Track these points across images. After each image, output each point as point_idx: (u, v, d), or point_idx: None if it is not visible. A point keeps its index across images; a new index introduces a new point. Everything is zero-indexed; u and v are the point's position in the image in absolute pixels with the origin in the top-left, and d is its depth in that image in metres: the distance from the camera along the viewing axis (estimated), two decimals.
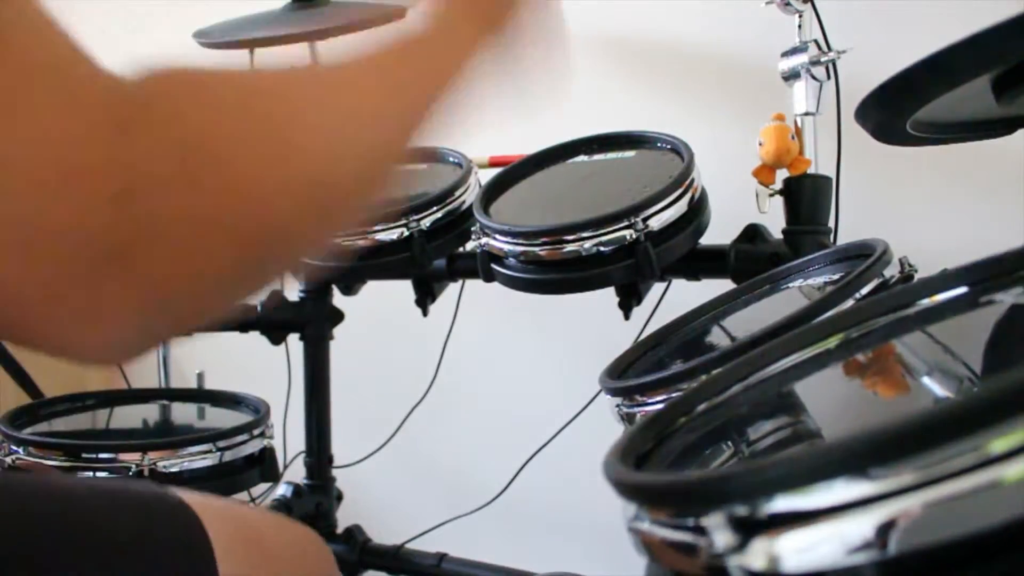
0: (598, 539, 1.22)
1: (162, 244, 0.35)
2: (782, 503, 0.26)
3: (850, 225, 1.03)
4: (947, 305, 0.51)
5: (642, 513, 0.32)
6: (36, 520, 0.54)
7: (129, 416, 1.25)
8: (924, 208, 1.25)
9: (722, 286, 0.89)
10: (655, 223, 0.87)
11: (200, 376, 1.33)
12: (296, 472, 1.41)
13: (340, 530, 1.39)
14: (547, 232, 0.89)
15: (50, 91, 0.33)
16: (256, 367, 1.44)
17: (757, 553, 0.27)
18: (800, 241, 0.98)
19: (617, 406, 0.65)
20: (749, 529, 0.27)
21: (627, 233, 0.86)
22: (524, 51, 0.52)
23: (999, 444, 0.24)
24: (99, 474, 0.98)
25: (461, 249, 1.11)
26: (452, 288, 1.32)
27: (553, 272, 0.91)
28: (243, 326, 1.36)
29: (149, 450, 1.00)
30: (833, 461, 0.25)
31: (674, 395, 0.57)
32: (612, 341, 0.87)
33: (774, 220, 1.01)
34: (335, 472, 1.43)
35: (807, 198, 0.99)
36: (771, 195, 0.99)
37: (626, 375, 0.71)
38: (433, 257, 1.07)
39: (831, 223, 1.01)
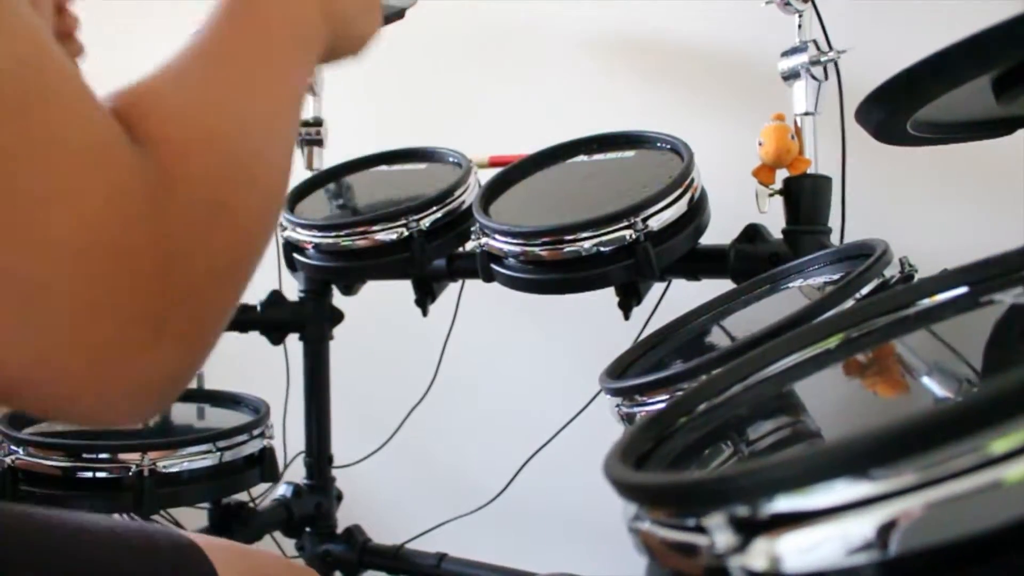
0: (598, 539, 1.22)
1: (193, 304, 0.35)
2: (783, 503, 0.26)
3: (850, 225, 1.04)
4: (947, 305, 0.51)
5: (642, 513, 0.32)
6: (47, 556, 0.55)
7: None
8: (924, 208, 1.25)
9: (722, 286, 0.89)
10: (655, 223, 0.87)
11: (200, 376, 1.33)
12: (296, 472, 1.41)
13: (340, 530, 1.39)
14: (547, 232, 0.89)
15: (89, 173, 0.32)
16: (256, 367, 1.44)
17: (758, 553, 0.27)
18: (800, 241, 0.98)
19: (617, 406, 0.65)
20: (750, 529, 0.27)
21: (627, 233, 0.86)
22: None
23: (999, 444, 0.24)
24: (99, 474, 0.99)
25: (461, 249, 1.11)
26: (452, 288, 1.32)
27: (553, 272, 0.91)
28: (243, 326, 1.36)
29: (149, 450, 1.00)
30: (833, 461, 0.25)
31: (674, 395, 0.57)
32: (612, 341, 0.87)
33: (774, 220, 1.01)
34: (335, 472, 1.43)
35: (807, 198, 0.99)
36: (771, 195, 0.99)
37: (626, 375, 0.71)
38: (433, 257, 1.07)
39: (836, 223, 1.01)
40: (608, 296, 1.00)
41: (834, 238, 1.01)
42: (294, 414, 1.43)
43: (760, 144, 0.99)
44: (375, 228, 1.04)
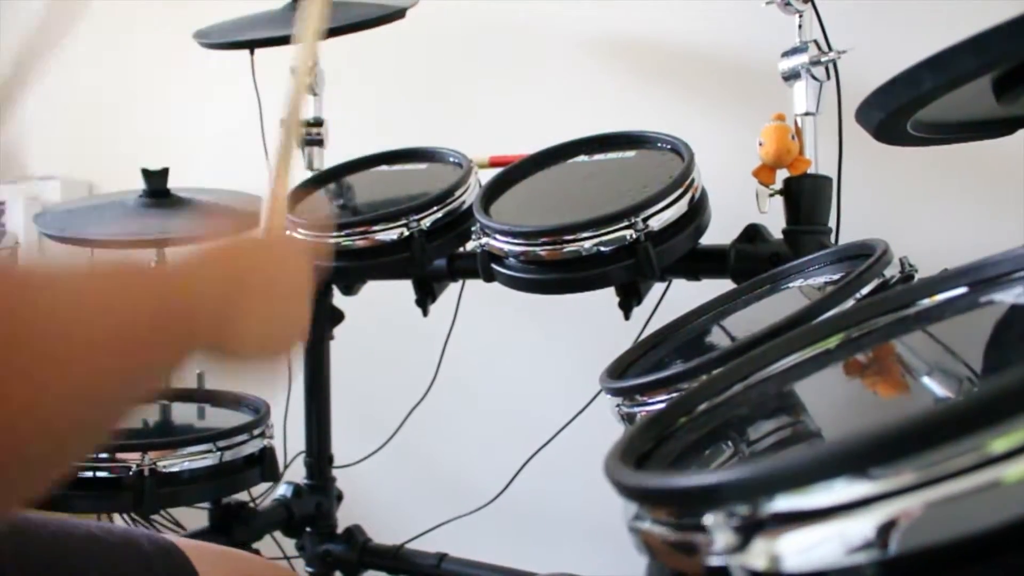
0: (598, 539, 1.22)
1: None
2: (782, 503, 0.26)
3: (850, 225, 1.04)
4: (947, 305, 0.51)
5: (643, 513, 0.32)
6: (28, 562, 0.55)
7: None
8: (924, 208, 1.25)
9: (722, 286, 0.89)
10: (655, 223, 0.87)
11: (200, 376, 1.33)
12: (296, 472, 1.41)
13: (340, 530, 1.39)
14: (547, 232, 0.89)
15: None
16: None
17: (758, 553, 0.27)
18: (800, 241, 0.98)
19: (617, 406, 0.64)
20: (750, 529, 0.27)
21: (627, 233, 0.86)
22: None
23: (999, 444, 0.24)
24: (99, 474, 0.98)
25: (461, 249, 1.11)
26: (452, 288, 1.32)
27: (553, 272, 0.91)
28: None
29: (149, 450, 1.00)
30: (833, 461, 0.25)
31: (674, 395, 0.57)
32: (612, 341, 0.87)
33: (774, 220, 1.01)
34: (335, 472, 1.43)
35: (807, 198, 0.99)
36: (771, 195, 0.99)
37: (626, 375, 0.71)
38: (433, 257, 1.07)
39: (832, 223, 1.01)
40: (608, 296, 1.00)
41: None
42: (294, 414, 1.43)
43: (760, 144, 0.99)
44: (375, 228, 1.04)
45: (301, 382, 1.41)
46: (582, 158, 1.07)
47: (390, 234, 1.03)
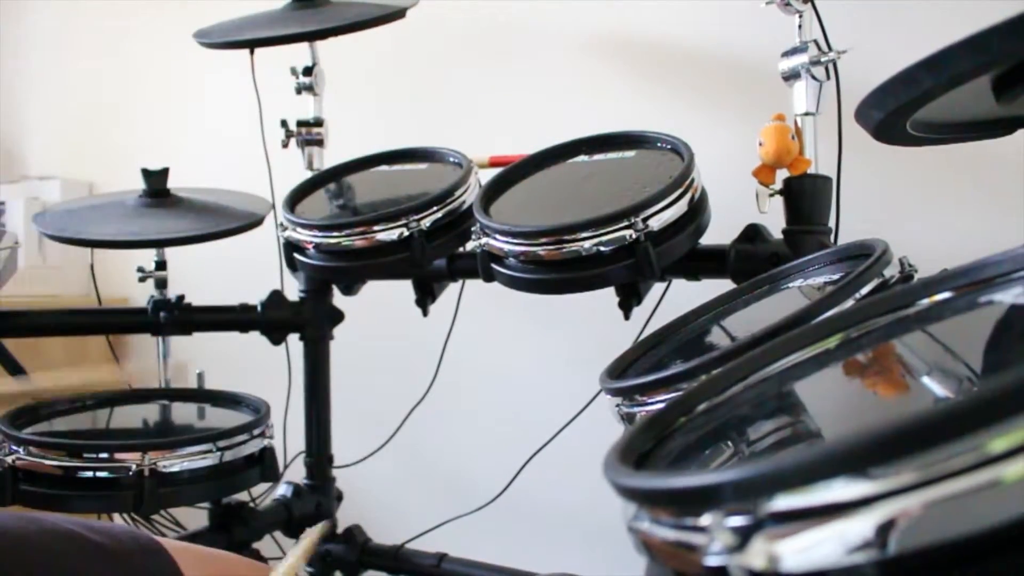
0: (598, 539, 1.22)
1: None
2: (782, 503, 0.26)
3: (850, 225, 1.04)
4: (947, 305, 0.51)
5: (642, 513, 0.32)
6: (11, 559, 0.56)
7: (129, 416, 1.25)
8: (924, 208, 1.25)
9: (722, 286, 0.89)
10: (655, 223, 0.87)
11: (200, 376, 1.33)
12: (296, 472, 1.41)
13: (340, 530, 1.39)
14: (547, 232, 0.89)
15: None
16: (256, 367, 1.44)
17: (757, 553, 0.27)
18: (800, 241, 0.98)
19: (617, 406, 0.64)
20: (749, 529, 0.27)
21: (627, 233, 0.86)
22: None
23: (999, 444, 0.24)
24: (99, 474, 0.98)
25: (461, 249, 1.11)
26: (452, 288, 1.32)
27: (553, 272, 0.91)
28: (243, 326, 1.36)
29: (149, 450, 1.00)
30: (833, 461, 0.25)
31: (674, 395, 0.57)
32: (612, 341, 0.87)
33: (774, 220, 1.01)
34: (335, 472, 1.43)
35: (807, 198, 0.99)
36: (771, 195, 0.99)
37: (626, 375, 0.71)
38: (433, 257, 1.07)
39: (832, 223, 1.01)
40: (608, 296, 1.00)
41: None
42: (294, 414, 1.43)
43: (760, 144, 0.99)
44: (375, 228, 1.04)
45: (301, 382, 1.41)
46: (582, 158, 1.07)
47: (390, 234, 1.03)
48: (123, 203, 1.33)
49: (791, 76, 1.00)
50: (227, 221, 1.28)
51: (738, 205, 1.00)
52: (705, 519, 0.28)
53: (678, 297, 1.02)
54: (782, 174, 1.00)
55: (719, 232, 0.99)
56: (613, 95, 1.50)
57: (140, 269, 1.35)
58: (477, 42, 1.64)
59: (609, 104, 1.49)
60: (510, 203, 1.03)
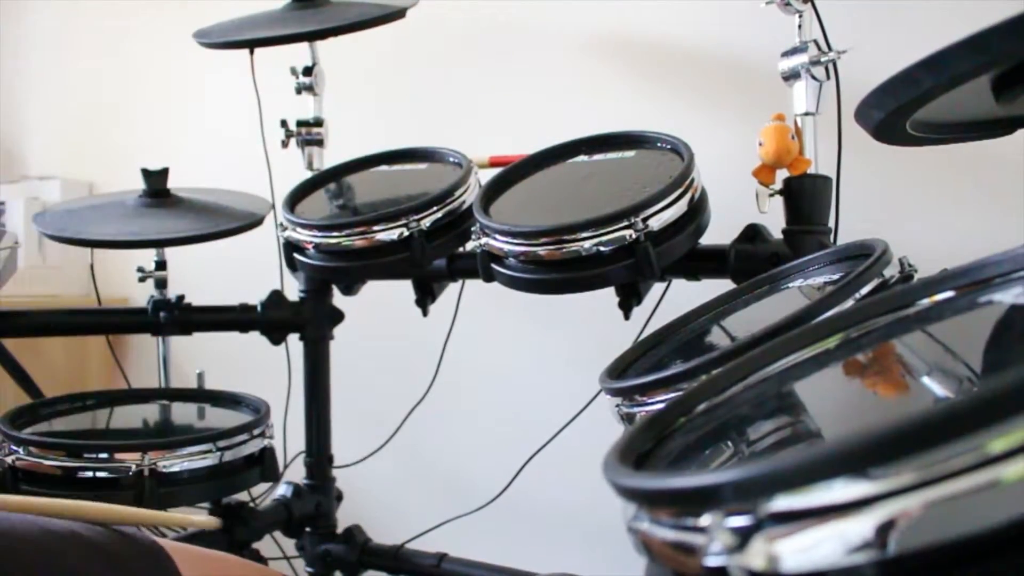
0: (598, 539, 1.22)
1: None
2: (782, 503, 0.26)
3: (850, 225, 1.04)
4: (947, 305, 0.51)
5: (642, 513, 0.32)
6: (9, 559, 0.56)
7: (129, 416, 1.25)
8: (924, 208, 1.25)
9: (722, 286, 0.89)
10: (655, 223, 0.87)
11: (200, 376, 1.33)
12: (296, 472, 1.41)
13: (340, 530, 1.39)
14: (547, 232, 0.89)
15: None
16: (256, 367, 1.44)
17: (757, 553, 0.27)
18: (800, 241, 0.98)
19: (617, 406, 0.64)
20: (749, 529, 0.27)
21: (627, 233, 0.86)
22: None
23: (999, 444, 0.24)
24: (99, 474, 0.98)
25: (461, 249, 1.11)
26: (452, 288, 1.32)
27: (553, 272, 0.91)
28: (243, 326, 1.36)
29: (149, 450, 1.00)
30: (833, 461, 0.25)
31: (674, 395, 0.57)
32: (612, 341, 0.87)
33: (774, 220, 1.01)
34: (335, 472, 1.43)
35: (807, 198, 0.99)
36: (771, 195, 0.99)
37: (626, 375, 0.71)
38: (433, 257, 1.07)
39: (831, 223, 1.01)
40: (608, 296, 1.00)
41: None
42: (294, 414, 1.43)
43: (760, 144, 0.99)
44: (375, 228, 1.04)
45: (301, 382, 1.41)
46: (582, 158, 1.07)
47: (390, 234, 1.03)
48: (123, 203, 1.33)
49: (791, 76, 1.00)
50: (227, 221, 1.28)
51: (738, 205, 1.00)
52: (705, 519, 0.28)
53: (678, 297, 1.01)
54: (782, 174, 1.00)
55: (719, 232, 0.99)
56: (613, 95, 1.50)
57: (140, 269, 1.35)
58: (477, 42, 1.64)
59: (609, 104, 1.49)
60: (510, 203, 1.03)
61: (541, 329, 1.57)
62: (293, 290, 1.38)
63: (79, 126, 2.22)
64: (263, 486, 1.27)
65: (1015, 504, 0.24)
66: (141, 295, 1.39)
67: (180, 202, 1.32)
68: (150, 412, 1.27)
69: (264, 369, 1.44)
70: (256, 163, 1.40)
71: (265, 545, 1.31)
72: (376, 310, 1.49)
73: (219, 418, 1.21)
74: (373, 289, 1.36)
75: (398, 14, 1.25)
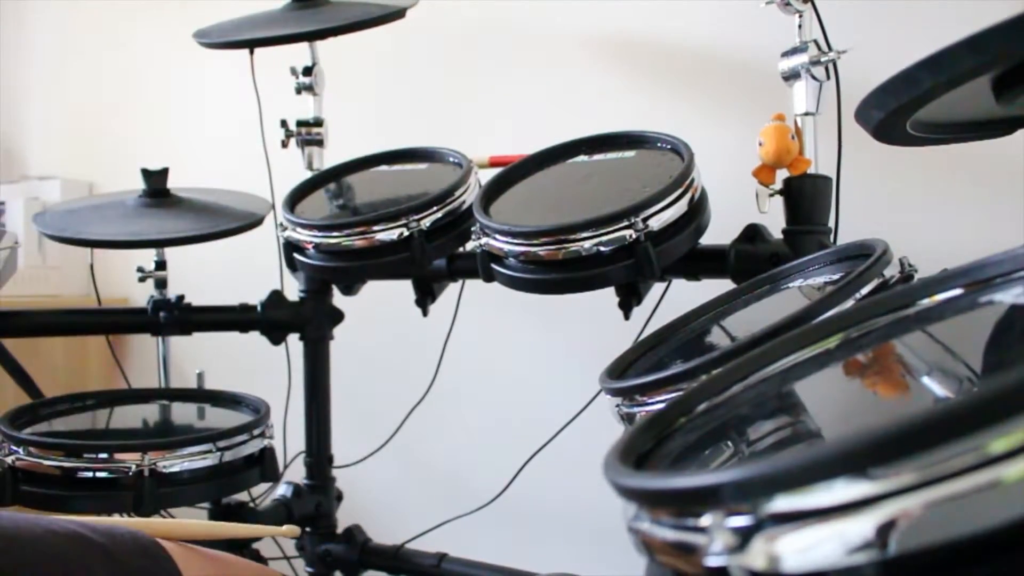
0: (598, 539, 1.22)
1: None
2: (782, 503, 0.26)
3: (850, 225, 1.03)
4: (947, 305, 0.51)
5: (642, 513, 0.32)
6: (11, 559, 0.56)
7: (129, 416, 1.25)
8: (924, 208, 1.25)
9: (722, 286, 0.89)
10: (655, 223, 0.87)
11: (200, 376, 1.33)
12: (296, 472, 1.41)
13: (340, 530, 1.39)
14: (547, 232, 0.89)
15: None
16: (256, 367, 1.44)
17: (757, 553, 0.27)
18: (800, 241, 0.98)
19: (617, 406, 0.64)
20: (749, 529, 0.27)
21: (627, 233, 0.86)
22: None
23: (999, 444, 0.24)
24: (99, 474, 0.98)
25: (461, 249, 1.11)
26: (452, 288, 1.32)
27: (553, 272, 0.91)
28: (243, 326, 1.36)
29: (149, 450, 1.00)
30: (833, 461, 0.25)
31: (674, 395, 0.57)
32: (612, 341, 0.87)
33: (774, 220, 1.01)
34: (335, 472, 1.43)
35: (807, 198, 0.99)
36: (771, 195, 0.99)
37: (626, 375, 0.71)
38: (433, 257, 1.07)
39: (831, 223, 1.01)
40: (608, 296, 1.00)
41: None
42: (294, 414, 1.43)
43: (760, 144, 0.99)
44: (375, 228, 1.04)
45: (301, 382, 1.41)
46: (582, 158, 1.07)
47: (390, 234, 1.03)
48: (123, 203, 1.33)
49: (791, 76, 1.00)
50: (227, 221, 1.28)
51: (738, 205, 1.00)
52: (705, 519, 0.28)
53: (678, 297, 1.01)
54: (782, 174, 1.00)
55: (719, 232, 0.99)
56: (613, 95, 1.50)
57: (140, 269, 1.35)
58: (477, 42, 1.64)
59: (609, 104, 1.49)
60: (510, 203, 1.03)
61: (541, 329, 1.57)
62: (293, 290, 1.38)
63: (79, 126, 2.22)
64: (263, 486, 1.27)
65: (1015, 504, 0.24)
66: (141, 295, 1.39)
67: (180, 202, 1.32)
68: (150, 412, 1.27)
69: (264, 369, 1.44)
70: (256, 163, 1.40)
71: (265, 545, 1.31)
72: (376, 310, 1.49)
73: (219, 418, 1.20)
74: (373, 289, 1.36)
75: (398, 14, 1.25)
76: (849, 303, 0.58)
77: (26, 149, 2.33)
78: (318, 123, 1.40)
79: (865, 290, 0.60)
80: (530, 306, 1.32)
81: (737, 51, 1.38)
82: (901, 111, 0.50)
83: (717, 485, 0.28)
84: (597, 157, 1.06)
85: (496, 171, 1.07)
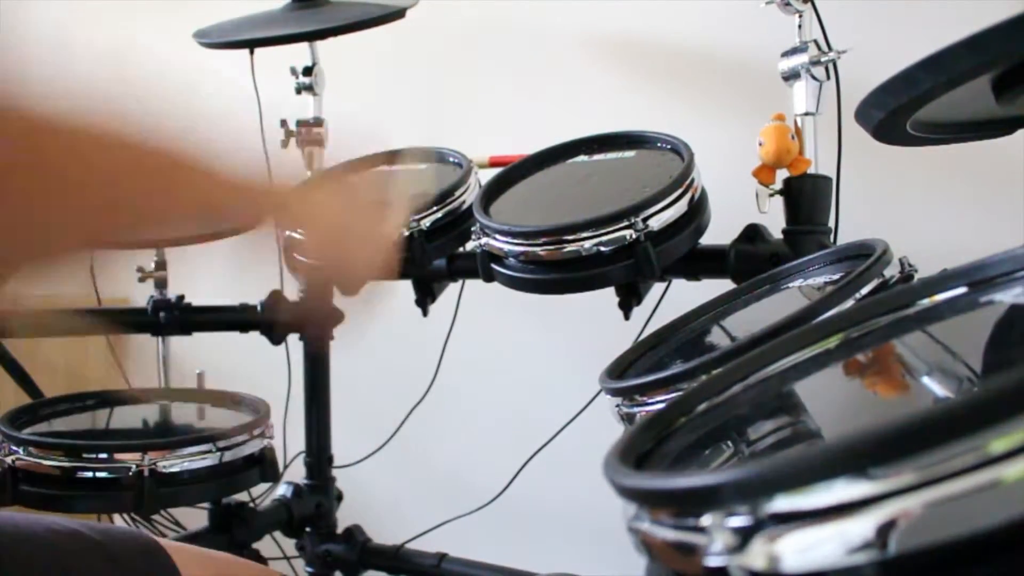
0: (598, 539, 1.22)
1: None
2: (782, 503, 0.26)
3: (850, 225, 1.03)
4: (947, 305, 0.51)
5: (642, 513, 0.32)
6: (12, 560, 0.56)
7: (129, 416, 1.25)
8: (924, 208, 1.25)
9: (722, 286, 0.89)
10: (655, 223, 0.87)
11: (200, 376, 1.33)
12: (296, 472, 1.41)
13: (340, 530, 1.39)
14: (547, 232, 0.89)
15: None
16: (256, 367, 1.44)
17: (757, 553, 0.27)
18: (800, 241, 0.98)
19: (617, 406, 0.64)
20: (749, 529, 0.27)
21: (627, 233, 0.86)
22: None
23: (999, 444, 0.24)
24: (99, 474, 0.98)
25: (461, 249, 1.11)
26: (452, 288, 1.32)
27: (553, 272, 0.91)
28: (243, 326, 1.36)
29: (149, 450, 1.00)
30: (833, 461, 0.25)
31: (674, 395, 0.57)
32: (612, 341, 0.87)
33: (774, 220, 1.01)
34: (335, 472, 1.43)
35: (807, 198, 0.99)
36: (771, 195, 0.99)
37: (626, 375, 0.71)
38: (433, 257, 1.07)
39: (831, 223, 1.01)
40: (608, 296, 1.00)
41: None
42: (294, 414, 1.43)
43: (760, 144, 0.99)
44: None
45: (301, 382, 1.41)
46: (582, 158, 1.07)
47: None
48: None
49: (791, 76, 1.00)
50: None
51: (738, 205, 1.00)
52: (705, 519, 0.28)
53: (678, 297, 1.01)
54: (782, 174, 1.00)
55: (719, 232, 0.99)
56: (613, 95, 1.50)
57: (140, 269, 1.35)
58: (477, 42, 1.64)
59: (609, 104, 1.49)
60: (510, 203, 1.03)
61: (541, 329, 1.57)
62: (293, 290, 1.38)
63: None
64: (263, 486, 1.27)
65: (1015, 504, 0.24)
66: (141, 295, 1.39)
67: None
68: (150, 412, 1.27)
69: (264, 369, 1.44)
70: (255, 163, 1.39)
71: (265, 545, 1.31)
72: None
73: (219, 418, 1.20)
74: None
75: (398, 14, 1.25)
76: (849, 303, 0.58)
77: None
78: (318, 123, 1.40)
79: (865, 290, 0.60)
80: (530, 306, 1.32)
81: (737, 51, 1.38)
82: (901, 111, 0.50)
83: (717, 485, 0.28)
84: (597, 157, 1.06)
85: (496, 171, 1.07)
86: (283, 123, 1.39)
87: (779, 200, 1.00)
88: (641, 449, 0.42)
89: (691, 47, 1.44)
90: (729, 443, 0.47)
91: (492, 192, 1.03)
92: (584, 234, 0.87)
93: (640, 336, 1.00)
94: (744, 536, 0.27)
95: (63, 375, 1.90)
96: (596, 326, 1.22)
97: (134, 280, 1.35)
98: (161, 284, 1.35)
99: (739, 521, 0.27)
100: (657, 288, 1.06)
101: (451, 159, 1.18)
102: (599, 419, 0.78)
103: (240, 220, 0.53)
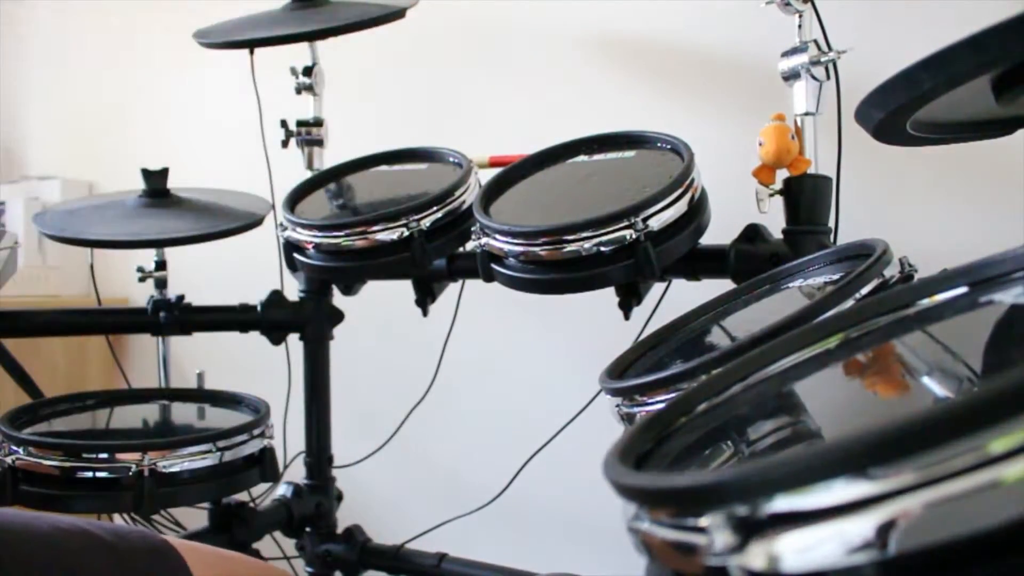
0: (598, 539, 1.22)
1: None
2: (782, 503, 0.26)
3: (850, 225, 1.04)
4: (947, 305, 0.51)
5: (642, 513, 0.32)
6: (21, 559, 0.56)
7: (129, 416, 1.25)
8: (924, 208, 1.25)
9: (722, 286, 0.89)
10: (655, 223, 0.87)
11: (200, 376, 1.33)
12: (296, 472, 1.41)
13: (340, 530, 1.39)
14: (547, 232, 0.89)
15: None
16: (256, 367, 1.44)
17: (757, 553, 0.27)
18: (800, 241, 0.98)
19: (617, 406, 0.64)
20: (749, 529, 0.27)
21: (627, 233, 0.86)
22: None
23: (999, 444, 0.24)
24: (99, 474, 0.98)
25: (461, 249, 1.11)
26: (452, 288, 1.32)
27: (553, 272, 0.91)
28: (243, 326, 1.36)
29: (149, 450, 1.00)
30: (833, 461, 0.25)
31: (674, 395, 0.57)
32: (612, 341, 0.87)
33: (774, 220, 1.01)
34: (335, 472, 1.43)
35: (807, 198, 0.99)
36: (771, 195, 0.99)
37: (626, 375, 0.71)
38: (433, 257, 1.07)
39: (831, 223, 1.01)
40: (608, 296, 1.00)
41: None
42: (294, 414, 1.43)
43: (760, 144, 0.99)
44: (375, 228, 1.04)
45: (301, 382, 1.41)
46: (582, 158, 1.07)
47: (390, 234, 1.03)
48: (123, 203, 1.33)
49: (791, 76, 1.00)
50: (227, 221, 1.28)
51: (738, 205, 1.00)
52: (705, 519, 0.28)
53: (678, 297, 1.01)
54: (782, 174, 1.00)
55: (719, 232, 0.99)
56: (613, 95, 1.50)
57: (140, 269, 1.35)
58: (477, 42, 1.64)
59: (609, 104, 1.49)
60: (510, 203, 1.03)
61: (541, 329, 1.57)
62: (293, 290, 1.38)
63: (79, 126, 2.22)
64: (263, 486, 1.27)
65: (1015, 504, 0.24)
66: (141, 295, 1.39)
67: (180, 202, 1.32)
68: (150, 412, 1.27)
69: (264, 369, 1.44)
70: (256, 163, 1.40)
71: (265, 545, 1.31)
72: (376, 310, 1.49)
73: (219, 418, 1.20)
74: (373, 289, 1.36)
75: (398, 14, 1.25)
76: (849, 303, 0.58)
77: (26, 149, 2.33)
78: (318, 123, 1.40)
79: (865, 290, 0.60)
80: (530, 306, 1.32)
81: (737, 51, 1.38)
82: (901, 111, 0.50)
83: (717, 485, 0.28)
84: (597, 157, 1.06)
85: (496, 171, 1.07)
86: (283, 123, 1.39)
87: (779, 200, 1.00)
88: (641, 449, 0.42)
89: (691, 47, 1.44)
90: (729, 443, 0.47)
91: (492, 192, 1.03)
92: (584, 234, 0.87)
93: (640, 336, 1.00)
94: (744, 536, 0.27)
95: (63, 375, 1.90)
96: (596, 326, 1.22)
97: (134, 280, 1.35)
98: (161, 284, 1.35)
99: (739, 521, 0.27)
100: (657, 288, 1.06)
101: (451, 159, 1.18)
102: (599, 419, 0.78)
103: None
